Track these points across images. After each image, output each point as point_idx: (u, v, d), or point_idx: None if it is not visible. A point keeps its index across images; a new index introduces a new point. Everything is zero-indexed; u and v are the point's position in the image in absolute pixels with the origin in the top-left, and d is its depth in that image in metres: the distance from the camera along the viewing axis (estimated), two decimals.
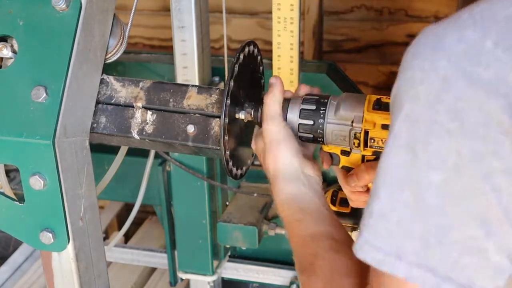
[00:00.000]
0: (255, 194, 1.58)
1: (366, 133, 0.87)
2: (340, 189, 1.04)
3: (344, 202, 1.02)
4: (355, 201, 0.98)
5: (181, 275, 1.72)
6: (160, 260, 1.93)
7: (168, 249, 1.78)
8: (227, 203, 1.69)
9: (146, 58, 1.70)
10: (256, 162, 1.68)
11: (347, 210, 1.02)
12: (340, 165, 0.96)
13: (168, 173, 1.65)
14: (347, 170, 0.97)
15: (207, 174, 1.57)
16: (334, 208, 1.03)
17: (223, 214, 1.61)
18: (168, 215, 1.74)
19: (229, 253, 1.80)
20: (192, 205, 1.63)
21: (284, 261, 1.74)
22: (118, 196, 1.82)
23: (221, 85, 1.54)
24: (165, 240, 1.78)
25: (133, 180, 1.67)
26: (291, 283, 1.69)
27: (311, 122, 0.88)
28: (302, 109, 0.89)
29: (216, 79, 1.56)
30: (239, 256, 1.81)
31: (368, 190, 0.96)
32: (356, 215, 1.02)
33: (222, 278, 1.80)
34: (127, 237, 2.38)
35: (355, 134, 0.87)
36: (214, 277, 1.70)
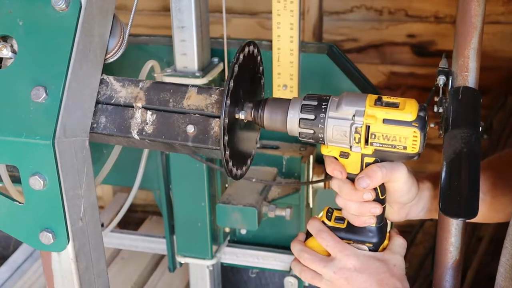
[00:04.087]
0: (254, 179, 1.56)
1: (367, 128, 0.87)
2: (336, 208, 1.02)
3: (340, 219, 1.01)
4: (359, 217, 0.97)
5: (179, 259, 1.70)
6: (158, 245, 1.90)
7: (167, 234, 1.75)
8: (226, 185, 1.68)
9: (145, 40, 1.67)
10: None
11: (342, 226, 1.01)
12: None
13: (167, 156, 1.64)
14: (347, 178, 0.96)
15: (206, 157, 1.55)
16: (329, 223, 1.01)
17: (222, 195, 1.58)
18: (167, 199, 1.71)
19: (228, 238, 1.77)
20: (191, 188, 1.61)
21: (284, 246, 1.72)
22: (116, 180, 1.77)
23: (220, 66, 1.53)
24: (164, 225, 1.75)
25: (131, 164, 1.63)
26: (291, 267, 1.66)
27: (312, 117, 0.88)
28: (303, 104, 0.89)
29: (215, 60, 1.54)
30: (238, 241, 1.79)
31: (375, 199, 0.95)
32: (351, 230, 1.00)
33: (222, 264, 1.78)
34: None
35: (356, 129, 0.87)
36: (213, 261, 1.68)
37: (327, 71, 1.51)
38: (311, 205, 1.63)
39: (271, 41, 1.51)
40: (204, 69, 1.48)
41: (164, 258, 2.22)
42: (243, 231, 1.76)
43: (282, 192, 1.64)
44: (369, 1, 2.39)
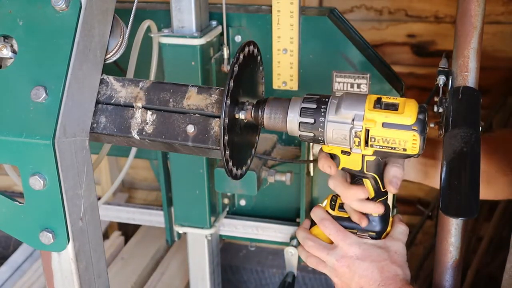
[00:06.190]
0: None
1: (367, 131, 0.87)
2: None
3: (343, 207, 1.03)
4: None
5: (177, 228, 1.66)
6: (156, 218, 1.86)
7: (165, 205, 1.72)
8: None
9: (141, 5, 1.63)
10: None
11: (346, 215, 1.03)
12: (340, 167, 0.97)
13: None
14: (348, 171, 0.98)
15: None
16: (333, 213, 1.04)
17: (221, 160, 1.55)
18: (165, 169, 1.67)
19: (227, 209, 1.73)
20: (190, 156, 1.52)
21: (284, 217, 1.69)
22: (112, 151, 1.75)
23: (219, 29, 1.50)
24: (162, 196, 1.71)
25: None
26: (291, 238, 1.64)
27: (311, 121, 0.88)
28: (303, 107, 0.89)
29: (214, 22, 1.53)
30: (237, 213, 1.75)
31: (377, 193, 0.99)
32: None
33: (221, 237, 1.75)
34: (127, 236, 2.38)
35: (355, 133, 0.87)
36: (212, 231, 1.65)
37: (328, 34, 1.46)
38: (311, 173, 1.61)
39: (270, 5, 1.47)
40: (203, 30, 1.46)
41: (164, 259, 2.22)
42: (242, 202, 1.72)
43: (282, 158, 1.60)
44: (369, 1, 2.39)
